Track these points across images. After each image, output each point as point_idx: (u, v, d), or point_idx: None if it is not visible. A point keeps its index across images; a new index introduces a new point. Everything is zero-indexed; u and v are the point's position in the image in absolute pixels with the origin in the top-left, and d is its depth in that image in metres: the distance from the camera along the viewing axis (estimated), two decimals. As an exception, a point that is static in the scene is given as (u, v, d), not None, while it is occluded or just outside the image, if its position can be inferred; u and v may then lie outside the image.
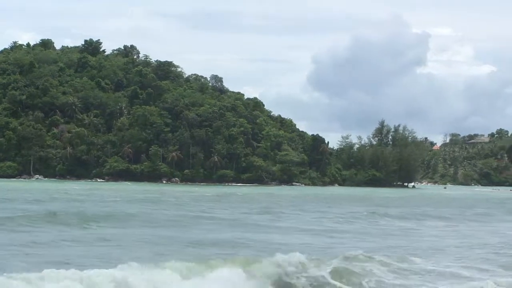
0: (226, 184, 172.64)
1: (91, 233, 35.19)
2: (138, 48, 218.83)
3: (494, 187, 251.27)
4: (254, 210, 58.89)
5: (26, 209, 49.04)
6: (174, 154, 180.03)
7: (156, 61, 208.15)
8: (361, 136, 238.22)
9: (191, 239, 32.74)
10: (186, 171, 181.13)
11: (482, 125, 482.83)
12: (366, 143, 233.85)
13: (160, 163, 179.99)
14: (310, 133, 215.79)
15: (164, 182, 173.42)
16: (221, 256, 25.18)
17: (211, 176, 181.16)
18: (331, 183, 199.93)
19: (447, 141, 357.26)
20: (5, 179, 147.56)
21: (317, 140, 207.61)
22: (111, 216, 45.21)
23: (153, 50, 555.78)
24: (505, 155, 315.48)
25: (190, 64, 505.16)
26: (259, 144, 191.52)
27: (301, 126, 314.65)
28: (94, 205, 59.87)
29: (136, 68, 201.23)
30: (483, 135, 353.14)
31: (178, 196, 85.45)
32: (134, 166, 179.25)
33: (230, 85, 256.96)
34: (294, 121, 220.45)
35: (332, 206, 72.12)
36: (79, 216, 42.82)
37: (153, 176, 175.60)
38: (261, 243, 32.32)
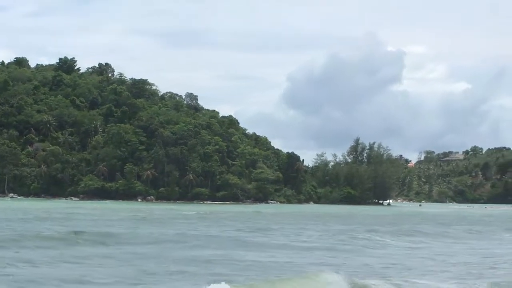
0: (202, 202, 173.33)
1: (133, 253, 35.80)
2: (113, 66, 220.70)
3: (469, 204, 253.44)
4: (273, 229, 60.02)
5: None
6: (149, 172, 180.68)
7: (131, 79, 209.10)
8: (336, 153, 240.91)
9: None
10: (161, 189, 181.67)
11: (457, 143, 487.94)
12: (341, 161, 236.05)
13: (135, 181, 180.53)
14: (285, 150, 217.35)
15: (139, 200, 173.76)
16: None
17: (186, 194, 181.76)
18: (306, 200, 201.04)
19: (422, 158, 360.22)
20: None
21: (292, 158, 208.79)
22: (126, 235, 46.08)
23: (128, 68, 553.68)
24: (480, 172, 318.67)
25: (165, 82, 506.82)
26: (234, 162, 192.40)
27: (276, 144, 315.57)
28: (102, 224, 60.96)
29: (111, 86, 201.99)
30: (457, 152, 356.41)
31: (174, 215, 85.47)
32: (109, 184, 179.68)
33: (205, 103, 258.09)
34: (269, 139, 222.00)
35: (323, 223, 73.15)
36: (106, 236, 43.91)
37: (128, 194, 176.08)
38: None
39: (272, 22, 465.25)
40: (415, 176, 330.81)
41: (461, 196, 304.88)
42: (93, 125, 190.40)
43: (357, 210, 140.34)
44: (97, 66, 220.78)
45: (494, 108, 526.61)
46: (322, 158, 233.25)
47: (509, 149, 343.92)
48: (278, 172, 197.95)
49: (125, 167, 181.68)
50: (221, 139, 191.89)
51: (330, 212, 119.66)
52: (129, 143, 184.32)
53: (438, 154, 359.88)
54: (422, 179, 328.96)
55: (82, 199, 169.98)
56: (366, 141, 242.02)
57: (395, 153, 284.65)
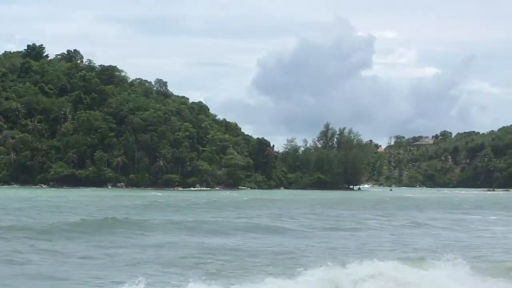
0: (172, 188, 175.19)
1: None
2: (82, 53, 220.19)
3: (439, 189, 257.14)
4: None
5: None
6: (119, 159, 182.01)
7: (100, 65, 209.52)
8: (306, 139, 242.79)
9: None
10: (132, 176, 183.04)
11: (427, 127, 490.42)
12: (312, 146, 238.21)
13: (105, 168, 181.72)
14: (256, 136, 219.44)
15: (110, 187, 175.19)
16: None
17: (156, 181, 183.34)
18: (277, 186, 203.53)
19: (392, 143, 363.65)
20: None
21: (262, 144, 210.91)
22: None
23: (97, 55, 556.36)
24: (449, 156, 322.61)
25: (134, 68, 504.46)
26: (204, 148, 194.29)
27: (247, 129, 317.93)
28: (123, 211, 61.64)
29: (80, 73, 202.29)
30: (427, 137, 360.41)
31: (185, 203, 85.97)
32: (79, 171, 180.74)
33: (175, 89, 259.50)
34: (240, 125, 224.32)
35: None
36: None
37: (98, 181, 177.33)
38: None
39: (243, 8, 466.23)
40: (385, 161, 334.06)
41: (431, 181, 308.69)
42: (62, 112, 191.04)
43: (357, 195, 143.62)
44: (65, 53, 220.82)
45: (463, 93, 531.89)
46: (292, 143, 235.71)
47: (478, 133, 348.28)
48: (248, 158, 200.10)
49: (95, 154, 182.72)
50: (191, 126, 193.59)
51: (325, 197, 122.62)
52: (98, 130, 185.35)
53: (408, 139, 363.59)
54: (392, 164, 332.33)
55: (52, 186, 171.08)
56: (336, 126, 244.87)
57: (365, 138, 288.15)
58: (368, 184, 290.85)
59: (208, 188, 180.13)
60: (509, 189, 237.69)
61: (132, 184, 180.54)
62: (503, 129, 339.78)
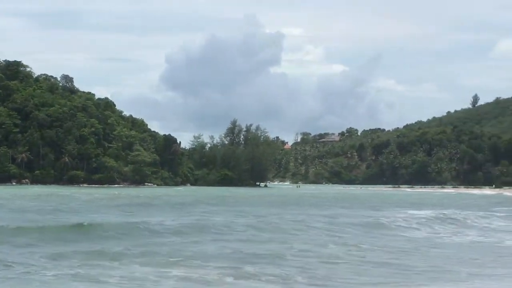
0: (78, 185, 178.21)
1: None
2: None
3: (345, 185, 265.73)
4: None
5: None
6: (23, 155, 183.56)
7: (5, 61, 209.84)
8: (213, 135, 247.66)
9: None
10: (37, 172, 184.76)
11: (335, 124, 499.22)
12: (218, 143, 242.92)
13: (9, 164, 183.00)
14: (164, 133, 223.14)
15: (14, 183, 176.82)
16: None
17: (62, 177, 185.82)
18: (183, 183, 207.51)
19: (299, 140, 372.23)
20: None
21: (169, 140, 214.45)
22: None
23: (1, 50, 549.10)
24: (355, 153, 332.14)
25: (40, 64, 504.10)
26: (110, 145, 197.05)
27: (154, 126, 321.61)
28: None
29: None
30: (333, 134, 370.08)
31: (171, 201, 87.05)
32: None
33: (81, 85, 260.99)
34: (147, 121, 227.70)
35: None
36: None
37: (2, 178, 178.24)
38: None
39: (150, 3, 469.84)
40: (291, 157, 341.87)
41: (337, 177, 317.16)
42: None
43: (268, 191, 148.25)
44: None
45: (370, 90, 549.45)
46: (199, 140, 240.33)
47: (383, 130, 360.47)
48: (155, 155, 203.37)
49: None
50: (97, 122, 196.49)
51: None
52: (3, 126, 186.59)
53: (315, 136, 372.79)
54: (299, 160, 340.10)
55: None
56: (245, 123, 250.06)
57: (274, 135, 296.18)
58: (275, 181, 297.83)
59: (116, 185, 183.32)
60: (414, 186, 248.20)
61: (37, 180, 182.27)
62: (408, 126, 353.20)
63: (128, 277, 23.79)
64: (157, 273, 24.58)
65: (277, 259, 28.46)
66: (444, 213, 63.67)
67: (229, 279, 23.74)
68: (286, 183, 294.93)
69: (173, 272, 24.83)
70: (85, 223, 41.31)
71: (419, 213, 64.65)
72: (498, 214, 67.23)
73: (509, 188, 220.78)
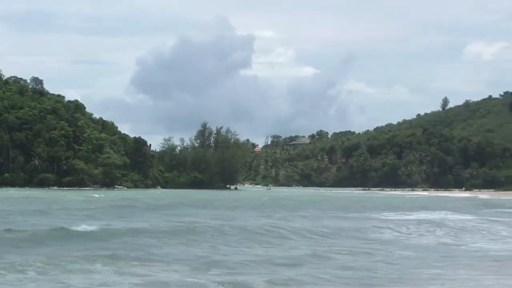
0: (48, 187, 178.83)
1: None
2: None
3: (315, 188, 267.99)
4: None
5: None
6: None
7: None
8: (183, 138, 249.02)
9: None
10: (6, 175, 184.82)
11: (306, 127, 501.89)
12: (189, 145, 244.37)
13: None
14: (134, 135, 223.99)
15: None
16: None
17: (32, 180, 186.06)
18: (154, 185, 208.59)
19: (269, 142, 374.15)
20: None
21: (139, 143, 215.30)
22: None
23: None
24: (325, 156, 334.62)
25: (9, 66, 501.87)
26: (80, 147, 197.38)
27: (126, 128, 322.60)
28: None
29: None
30: (304, 137, 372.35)
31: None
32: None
33: (51, 88, 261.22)
34: (118, 124, 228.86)
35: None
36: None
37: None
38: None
39: (121, 6, 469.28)
40: (262, 160, 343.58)
41: (307, 180, 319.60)
42: None
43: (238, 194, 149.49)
44: None
45: (341, 93, 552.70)
46: (169, 142, 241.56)
47: (354, 133, 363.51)
48: (125, 157, 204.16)
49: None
50: (67, 124, 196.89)
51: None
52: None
53: (285, 138, 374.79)
54: (269, 163, 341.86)
55: None
56: (216, 125, 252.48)
57: (245, 137, 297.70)
58: (245, 183, 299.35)
59: (86, 188, 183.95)
60: (384, 189, 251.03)
61: (7, 183, 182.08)
62: (378, 129, 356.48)
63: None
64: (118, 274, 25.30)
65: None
66: (447, 218, 62.77)
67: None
68: (258, 186, 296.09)
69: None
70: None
71: (421, 217, 64.16)
72: (491, 218, 64.81)
73: (479, 191, 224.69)
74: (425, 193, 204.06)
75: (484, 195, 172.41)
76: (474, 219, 62.83)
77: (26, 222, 48.68)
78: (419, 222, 56.33)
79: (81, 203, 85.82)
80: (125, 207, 75.76)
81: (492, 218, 64.16)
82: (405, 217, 64.74)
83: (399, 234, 46.95)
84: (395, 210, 79.69)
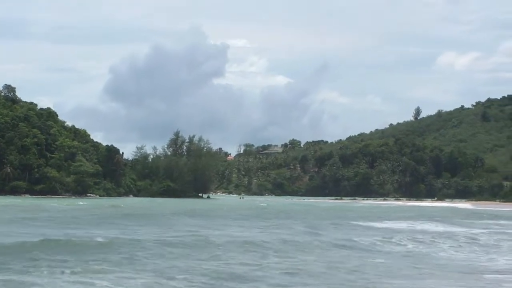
0: (20, 195, 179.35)
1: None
2: None
3: (287, 197, 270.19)
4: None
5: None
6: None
7: None
8: (156, 146, 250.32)
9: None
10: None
11: (279, 136, 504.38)
12: (161, 154, 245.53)
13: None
14: (107, 143, 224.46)
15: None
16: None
17: (3, 187, 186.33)
18: (126, 194, 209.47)
19: (242, 151, 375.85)
20: None
21: (112, 151, 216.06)
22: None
23: None
24: (298, 165, 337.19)
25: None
26: (52, 155, 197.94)
27: (98, 136, 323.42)
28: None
29: None
30: (276, 146, 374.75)
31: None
32: None
33: (24, 95, 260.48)
34: (91, 132, 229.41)
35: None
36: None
37: None
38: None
39: (95, 14, 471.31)
40: (234, 169, 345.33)
41: (280, 189, 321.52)
42: None
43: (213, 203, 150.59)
44: None
45: (314, 102, 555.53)
46: (142, 151, 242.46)
47: (326, 142, 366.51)
48: (97, 165, 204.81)
49: None
50: (39, 132, 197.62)
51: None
52: None
53: (258, 147, 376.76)
54: (242, 172, 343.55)
55: None
56: (189, 133, 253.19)
57: (218, 146, 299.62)
58: (218, 192, 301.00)
59: (58, 196, 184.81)
60: (356, 198, 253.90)
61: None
62: (350, 138, 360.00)
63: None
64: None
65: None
66: (451, 230, 60.97)
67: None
68: (231, 195, 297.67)
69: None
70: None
71: (427, 228, 63.78)
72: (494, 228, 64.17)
73: (451, 200, 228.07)
74: (400, 202, 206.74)
75: (466, 204, 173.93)
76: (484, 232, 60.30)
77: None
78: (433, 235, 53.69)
79: (74, 211, 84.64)
80: (132, 216, 74.81)
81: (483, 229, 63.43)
82: (414, 227, 64.54)
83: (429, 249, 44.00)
84: (397, 220, 79.63)
